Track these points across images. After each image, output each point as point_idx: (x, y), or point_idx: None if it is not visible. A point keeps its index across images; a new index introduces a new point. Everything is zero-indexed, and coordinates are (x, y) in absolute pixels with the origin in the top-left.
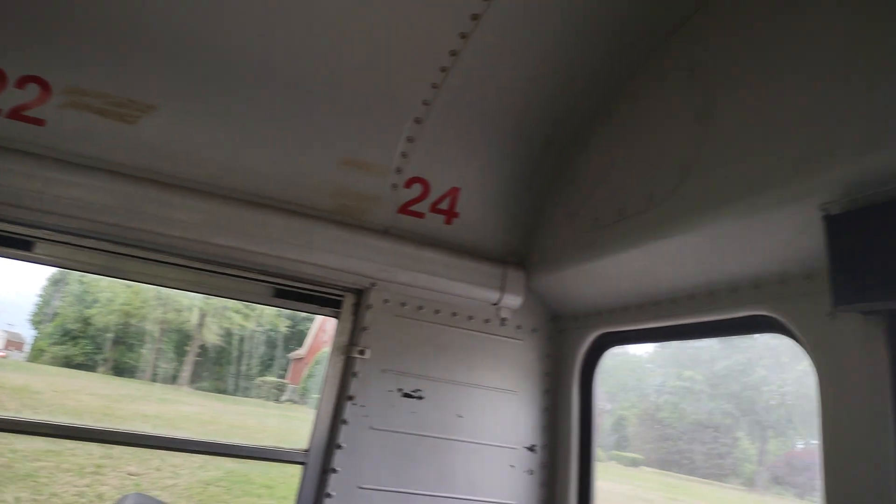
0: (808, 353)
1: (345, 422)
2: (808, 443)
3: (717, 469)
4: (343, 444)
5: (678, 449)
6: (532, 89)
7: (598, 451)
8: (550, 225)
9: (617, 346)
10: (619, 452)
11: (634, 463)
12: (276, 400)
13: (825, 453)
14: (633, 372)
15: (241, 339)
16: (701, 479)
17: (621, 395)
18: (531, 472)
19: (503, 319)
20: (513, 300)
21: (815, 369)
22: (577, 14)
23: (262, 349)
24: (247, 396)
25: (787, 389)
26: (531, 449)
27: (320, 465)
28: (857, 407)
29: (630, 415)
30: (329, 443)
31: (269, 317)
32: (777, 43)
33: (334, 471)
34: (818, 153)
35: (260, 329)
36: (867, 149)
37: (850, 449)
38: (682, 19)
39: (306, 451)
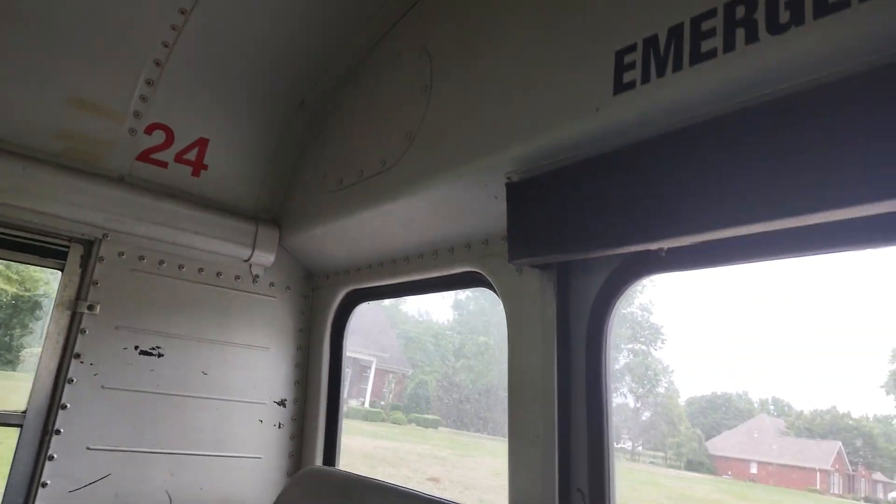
0: (502, 303)
1: (70, 381)
2: None
3: (505, 427)
4: (68, 404)
5: (472, 410)
6: (281, 48)
7: (399, 415)
8: (304, 184)
9: (365, 302)
10: (418, 415)
11: (433, 424)
12: None
13: (510, 384)
14: (434, 338)
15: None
16: (491, 437)
17: (424, 360)
18: (280, 426)
19: (255, 276)
20: (265, 257)
21: (506, 317)
22: None
23: (28, 316)
24: (12, 370)
25: None
26: (281, 403)
27: (41, 426)
28: (534, 346)
29: (430, 379)
30: (52, 403)
31: (41, 281)
32: (485, 34)
33: (58, 432)
34: (504, 131)
35: (27, 294)
36: (535, 130)
37: (528, 380)
38: (414, 1)
39: (23, 412)
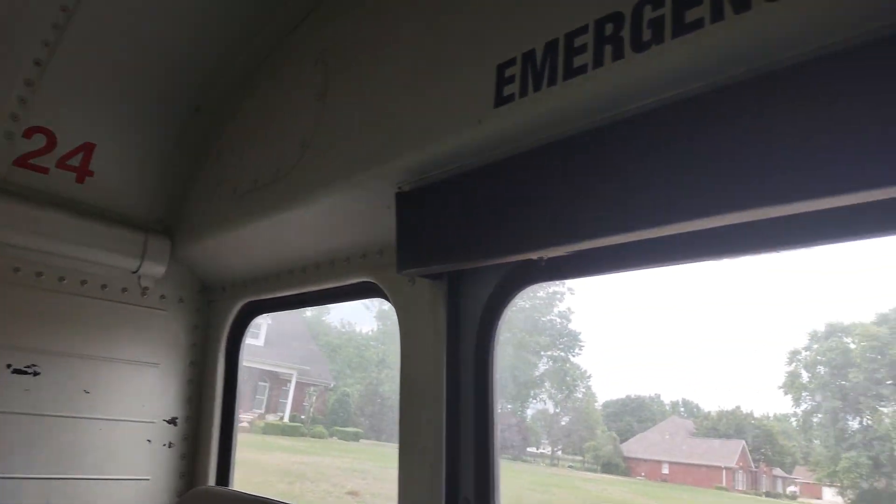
0: (396, 313)
1: None
2: (503, 407)
3: None
4: None
5: (394, 420)
6: (174, 52)
7: (321, 429)
8: (198, 192)
9: (263, 314)
10: (340, 428)
11: (355, 437)
12: None
13: (402, 394)
14: (357, 349)
15: None
16: None
17: (347, 372)
18: (170, 445)
19: (144, 289)
20: (155, 269)
21: (399, 327)
22: None
23: None
24: None
25: None
26: (171, 422)
27: None
28: (425, 356)
29: (353, 391)
30: None
31: None
32: (377, 46)
33: None
34: (394, 140)
35: None
36: (423, 141)
37: (418, 390)
38: (311, 7)
39: None
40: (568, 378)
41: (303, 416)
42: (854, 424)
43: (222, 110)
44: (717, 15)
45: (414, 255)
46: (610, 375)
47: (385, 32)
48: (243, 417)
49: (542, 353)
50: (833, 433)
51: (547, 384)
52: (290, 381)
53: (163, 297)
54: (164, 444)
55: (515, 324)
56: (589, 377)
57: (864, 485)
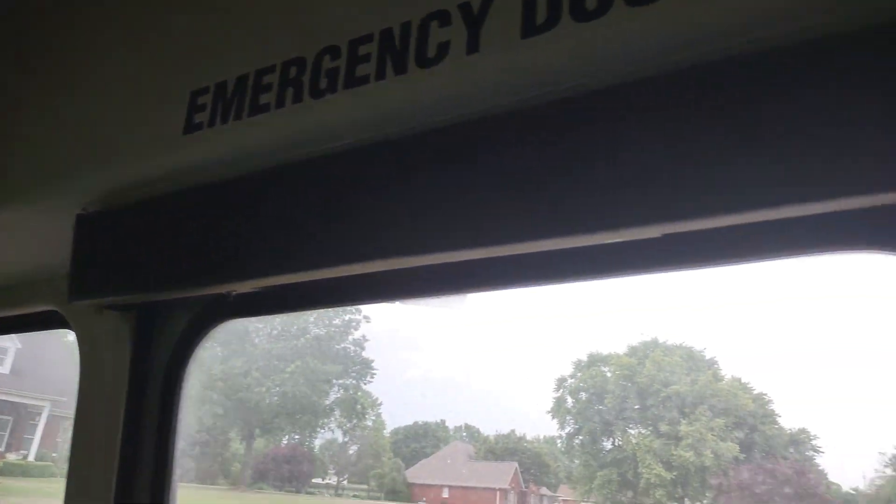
0: (78, 346)
1: None
2: (291, 438)
3: (208, 472)
4: None
5: (181, 453)
6: None
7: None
8: None
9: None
10: None
11: None
12: None
13: (74, 439)
14: None
15: None
16: (190, 484)
17: None
18: None
19: None
20: None
21: (80, 361)
22: None
23: None
24: None
25: (276, 389)
26: None
27: None
28: (107, 393)
29: None
30: None
31: None
32: (75, 56)
33: None
34: (82, 158)
35: None
36: (110, 161)
37: (95, 429)
38: (13, 6)
39: None
40: (358, 406)
41: (55, 454)
42: (608, 445)
43: None
44: (381, 74)
45: (89, 284)
46: (400, 401)
47: (87, 41)
48: None
49: (335, 381)
50: (591, 453)
51: (337, 413)
52: (40, 414)
53: None
54: None
55: (307, 351)
56: (380, 404)
57: (614, 499)
